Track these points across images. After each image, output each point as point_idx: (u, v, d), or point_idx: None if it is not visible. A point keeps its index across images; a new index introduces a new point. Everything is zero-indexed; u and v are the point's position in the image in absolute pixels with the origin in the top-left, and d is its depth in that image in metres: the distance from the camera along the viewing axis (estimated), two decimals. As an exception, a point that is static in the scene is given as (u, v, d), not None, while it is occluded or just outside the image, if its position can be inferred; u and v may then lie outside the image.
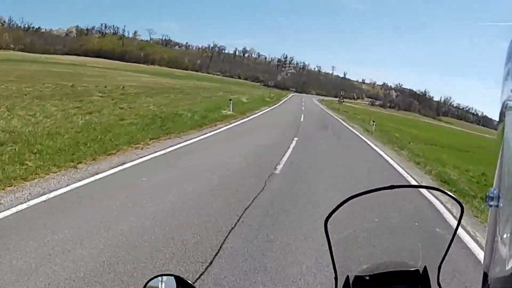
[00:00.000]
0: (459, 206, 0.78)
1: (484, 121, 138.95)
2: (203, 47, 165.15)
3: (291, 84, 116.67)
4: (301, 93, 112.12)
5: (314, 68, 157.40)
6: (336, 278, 0.81)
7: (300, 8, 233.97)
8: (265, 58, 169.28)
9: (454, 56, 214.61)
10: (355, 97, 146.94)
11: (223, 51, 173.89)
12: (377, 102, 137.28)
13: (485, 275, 0.69)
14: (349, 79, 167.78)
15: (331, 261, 0.80)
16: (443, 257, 0.84)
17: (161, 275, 0.97)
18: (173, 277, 0.96)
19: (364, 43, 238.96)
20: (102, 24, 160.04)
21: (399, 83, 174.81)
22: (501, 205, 0.63)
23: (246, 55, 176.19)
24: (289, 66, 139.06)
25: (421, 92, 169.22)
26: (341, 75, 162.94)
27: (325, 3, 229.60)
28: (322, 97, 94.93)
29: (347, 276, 0.84)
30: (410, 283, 0.85)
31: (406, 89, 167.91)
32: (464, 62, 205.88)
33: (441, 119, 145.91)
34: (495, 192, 0.65)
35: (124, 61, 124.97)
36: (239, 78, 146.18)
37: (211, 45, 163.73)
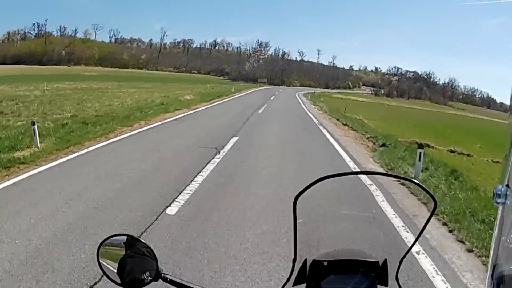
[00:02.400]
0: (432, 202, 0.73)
1: (492, 103, 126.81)
2: (160, 43, 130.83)
3: (264, 74, 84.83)
4: (278, 85, 79.99)
5: (296, 57, 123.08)
6: (294, 260, 0.79)
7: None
8: (237, 48, 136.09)
9: (451, 36, 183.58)
10: (351, 86, 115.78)
11: (190, 45, 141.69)
12: (382, 91, 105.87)
13: (493, 272, 0.68)
14: (338, 66, 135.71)
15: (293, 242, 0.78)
16: (406, 253, 0.84)
17: (113, 236, 0.98)
18: (125, 237, 0.97)
19: (351, 26, 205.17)
20: (34, 24, 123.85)
21: (395, 66, 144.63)
22: (509, 202, 0.62)
23: (217, 47, 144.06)
24: (261, 52, 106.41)
25: (427, 75, 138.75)
26: (328, 62, 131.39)
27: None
28: (309, 89, 63.08)
29: (305, 259, 0.84)
30: (367, 274, 0.84)
31: (410, 72, 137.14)
32: (461, 42, 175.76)
33: (453, 105, 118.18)
34: (502, 189, 0.63)
35: (42, 64, 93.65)
36: (199, 73, 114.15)
37: (164, 39, 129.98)
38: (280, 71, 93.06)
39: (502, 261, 0.62)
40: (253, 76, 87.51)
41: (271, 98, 32.58)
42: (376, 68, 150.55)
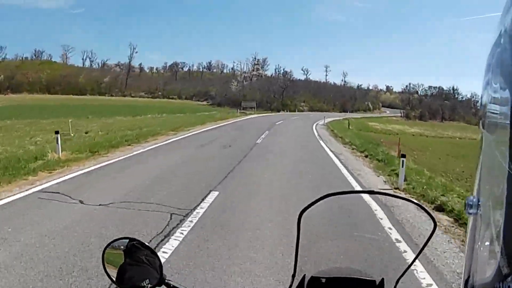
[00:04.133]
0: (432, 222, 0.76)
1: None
2: (129, 62, 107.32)
3: (258, 96, 60.61)
4: (278, 111, 55.33)
5: (299, 77, 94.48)
6: (293, 276, 0.81)
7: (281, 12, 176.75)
8: (232, 69, 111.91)
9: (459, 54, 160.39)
10: (371, 108, 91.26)
11: (181, 68, 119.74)
12: (410, 112, 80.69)
13: (466, 283, 0.70)
14: (352, 86, 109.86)
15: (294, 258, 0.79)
16: (403, 272, 0.84)
17: (116, 240, 0.98)
18: (127, 240, 0.97)
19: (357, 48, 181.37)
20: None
21: (410, 83, 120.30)
22: (480, 212, 0.64)
23: (213, 70, 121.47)
24: (257, 70, 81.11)
25: (453, 90, 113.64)
26: (340, 81, 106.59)
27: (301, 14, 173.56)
28: (327, 116, 38.31)
29: (304, 275, 0.85)
30: None
31: (433, 87, 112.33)
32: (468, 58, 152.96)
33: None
34: (474, 200, 0.65)
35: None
36: (179, 97, 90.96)
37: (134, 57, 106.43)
38: (281, 90, 67.09)
39: (475, 272, 0.63)
40: (244, 99, 63.76)
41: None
42: (387, 87, 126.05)
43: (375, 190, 0.82)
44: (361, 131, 27.92)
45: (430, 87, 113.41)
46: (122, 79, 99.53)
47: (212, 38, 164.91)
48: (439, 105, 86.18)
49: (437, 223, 1.00)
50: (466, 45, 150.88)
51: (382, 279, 0.85)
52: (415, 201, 0.81)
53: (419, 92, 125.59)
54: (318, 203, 0.72)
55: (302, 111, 60.45)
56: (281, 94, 65.12)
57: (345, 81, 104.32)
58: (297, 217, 0.74)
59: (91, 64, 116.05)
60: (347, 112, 70.40)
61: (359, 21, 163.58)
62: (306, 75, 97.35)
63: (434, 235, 0.78)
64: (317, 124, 29.12)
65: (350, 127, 28.06)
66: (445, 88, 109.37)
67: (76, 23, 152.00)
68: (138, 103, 68.27)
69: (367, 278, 0.85)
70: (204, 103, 78.66)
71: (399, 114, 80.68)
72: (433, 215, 0.78)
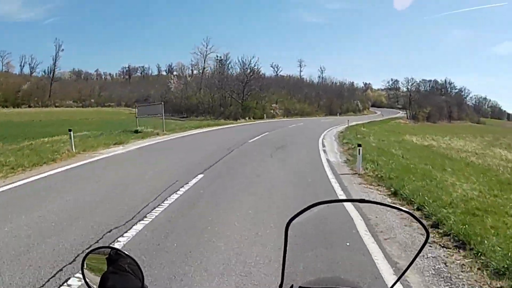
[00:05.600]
0: (424, 233, 0.77)
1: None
2: (53, 65, 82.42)
3: (207, 98, 39.44)
4: (236, 119, 34.39)
5: (267, 73, 67.34)
6: (281, 286, 0.80)
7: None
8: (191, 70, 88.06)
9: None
10: (360, 108, 72.33)
11: (140, 73, 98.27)
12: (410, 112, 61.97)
13: None
14: (336, 83, 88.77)
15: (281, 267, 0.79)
16: (393, 283, 0.81)
17: (98, 248, 0.97)
18: (109, 249, 0.96)
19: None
20: None
21: (409, 77, 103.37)
22: None
23: (175, 72, 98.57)
24: (206, 59, 57.69)
25: (448, 85, 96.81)
26: (318, 77, 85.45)
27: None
28: (332, 127, 18.86)
29: (292, 285, 0.83)
30: None
31: (427, 80, 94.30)
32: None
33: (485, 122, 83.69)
34: None
35: None
36: (118, 105, 69.51)
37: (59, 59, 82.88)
38: (241, 88, 42.44)
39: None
40: (186, 103, 42.86)
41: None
42: (365, 84, 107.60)
43: (366, 199, 0.76)
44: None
45: (424, 80, 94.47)
46: (46, 86, 76.09)
47: (174, 39, 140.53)
48: (445, 102, 68.59)
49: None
50: (442, 41, 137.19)
51: None
52: (413, 213, 0.78)
53: (409, 87, 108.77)
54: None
55: (274, 116, 40.09)
56: (241, 92, 42.05)
57: (322, 78, 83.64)
58: (285, 226, 0.73)
59: (31, 72, 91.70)
60: (337, 115, 51.16)
61: (333, 22, 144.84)
62: (277, 72, 76.26)
63: None
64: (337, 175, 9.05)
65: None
66: (439, 82, 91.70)
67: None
68: (51, 115, 45.98)
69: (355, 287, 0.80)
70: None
71: (399, 115, 62.49)
72: (425, 225, 0.75)
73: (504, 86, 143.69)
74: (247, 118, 35.00)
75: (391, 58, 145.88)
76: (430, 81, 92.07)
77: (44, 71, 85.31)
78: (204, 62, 50.31)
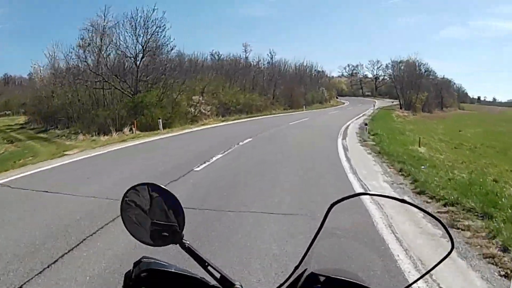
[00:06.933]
0: (450, 243, 0.72)
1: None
2: None
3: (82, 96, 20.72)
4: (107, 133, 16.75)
5: (201, 56, 46.08)
6: (296, 267, 0.79)
7: None
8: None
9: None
10: (326, 98, 56.64)
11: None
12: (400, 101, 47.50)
13: None
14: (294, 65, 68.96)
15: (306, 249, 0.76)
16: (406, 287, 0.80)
17: (136, 186, 0.91)
18: (145, 185, 0.90)
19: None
20: None
21: (375, 60, 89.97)
22: None
23: None
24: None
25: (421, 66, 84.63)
26: (268, 62, 66.59)
27: None
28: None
29: (305, 269, 0.82)
30: None
31: (397, 62, 79.72)
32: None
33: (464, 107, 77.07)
34: None
35: None
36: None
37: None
38: (135, 71, 22.21)
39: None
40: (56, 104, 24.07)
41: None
42: (318, 72, 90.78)
43: (407, 200, 0.71)
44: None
45: (400, 62, 75.37)
46: None
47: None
48: (435, 86, 54.75)
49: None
50: (390, 28, 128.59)
51: None
52: (442, 220, 0.74)
53: (375, 72, 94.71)
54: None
55: (200, 119, 22.05)
56: (134, 83, 22.23)
57: (272, 63, 63.16)
58: (327, 208, 0.69)
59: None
60: (303, 108, 34.89)
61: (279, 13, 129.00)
62: (218, 58, 56.73)
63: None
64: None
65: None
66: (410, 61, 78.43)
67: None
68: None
69: (367, 286, 0.79)
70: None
71: (390, 104, 47.74)
72: (452, 235, 0.73)
73: (459, 71, 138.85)
74: (132, 128, 16.71)
75: (344, 45, 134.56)
76: (401, 62, 77.61)
77: None
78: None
